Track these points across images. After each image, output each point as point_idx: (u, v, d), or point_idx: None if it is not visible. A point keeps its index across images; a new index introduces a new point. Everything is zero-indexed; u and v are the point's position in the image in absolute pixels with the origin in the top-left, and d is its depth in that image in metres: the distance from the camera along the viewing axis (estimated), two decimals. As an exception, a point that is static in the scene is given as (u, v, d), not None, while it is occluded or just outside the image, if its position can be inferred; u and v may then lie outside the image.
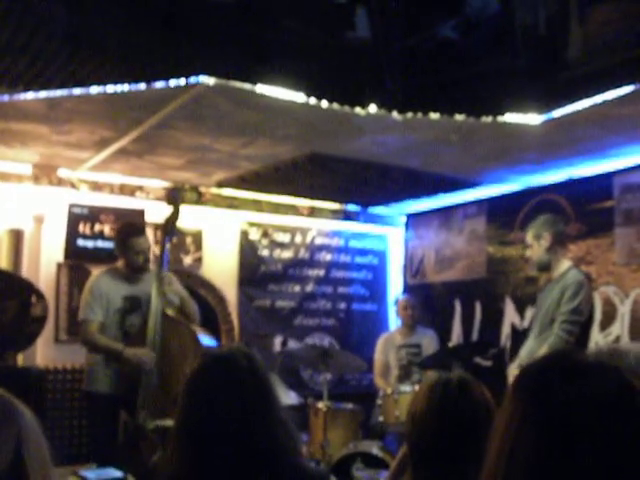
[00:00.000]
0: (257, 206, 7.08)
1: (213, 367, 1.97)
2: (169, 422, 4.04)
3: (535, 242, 4.65)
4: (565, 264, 4.62)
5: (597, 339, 5.62)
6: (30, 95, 4.02)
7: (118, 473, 3.68)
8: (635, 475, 1.01)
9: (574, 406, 1.05)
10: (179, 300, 4.92)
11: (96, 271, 5.20)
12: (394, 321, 7.44)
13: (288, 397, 5.34)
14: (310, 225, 7.50)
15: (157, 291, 4.69)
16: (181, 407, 1.93)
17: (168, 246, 4.95)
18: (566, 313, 4.35)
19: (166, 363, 4.62)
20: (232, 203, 6.92)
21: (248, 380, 1.91)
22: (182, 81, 3.80)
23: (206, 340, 4.72)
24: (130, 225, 5.15)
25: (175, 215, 4.93)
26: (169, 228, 4.94)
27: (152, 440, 4.32)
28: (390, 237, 8.12)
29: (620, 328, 5.55)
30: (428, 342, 6.48)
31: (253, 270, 7.13)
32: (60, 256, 6.04)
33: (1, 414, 1.20)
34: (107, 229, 6.05)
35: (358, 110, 4.20)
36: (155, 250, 6.04)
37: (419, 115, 4.29)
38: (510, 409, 1.13)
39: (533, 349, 4.47)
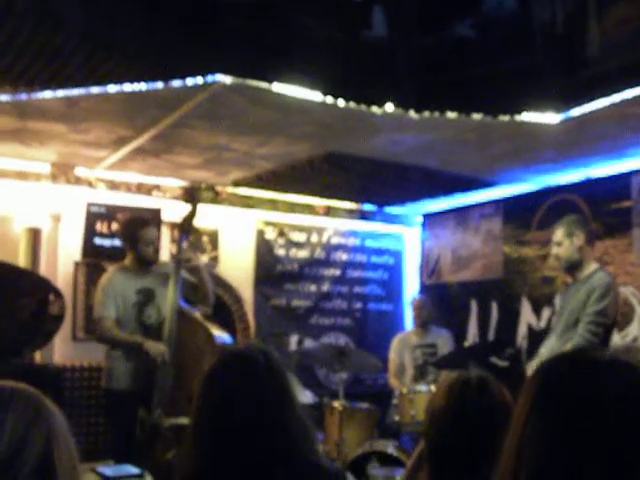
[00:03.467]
0: (273, 205, 7.08)
1: (231, 364, 1.97)
2: (184, 420, 4.06)
3: (567, 240, 4.53)
4: (592, 266, 4.54)
5: (615, 340, 5.59)
6: (48, 94, 4.05)
7: (135, 470, 3.69)
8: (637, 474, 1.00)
9: (581, 401, 1.04)
10: (196, 278, 4.96)
11: (110, 268, 5.23)
12: (410, 321, 7.43)
13: (304, 396, 5.34)
14: (326, 224, 7.50)
15: (174, 289, 4.71)
16: (198, 404, 1.93)
17: (185, 245, 4.97)
18: (592, 314, 4.31)
19: (182, 361, 4.64)
20: (248, 202, 6.93)
21: (265, 377, 1.91)
22: (199, 80, 3.81)
23: (222, 338, 4.73)
24: (136, 218, 5.19)
25: (192, 214, 4.94)
26: (186, 227, 4.96)
27: (167, 438, 4.34)
28: (406, 237, 8.10)
29: (638, 329, 5.52)
30: (443, 342, 6.47)
31: (269, 269, 7.14)
32: (78, 255, 6.07)
33: (32, 413, 1.21)
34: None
35: (374, 109, 4.20)
36: (172, 249, 6.06)
37: (436, 114, 4.28)
38: (521, 404, 1.13)
39: (555, 347, 4.44)
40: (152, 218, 5.76)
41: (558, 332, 4.52)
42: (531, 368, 4.61)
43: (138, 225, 4.95)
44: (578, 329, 4.35)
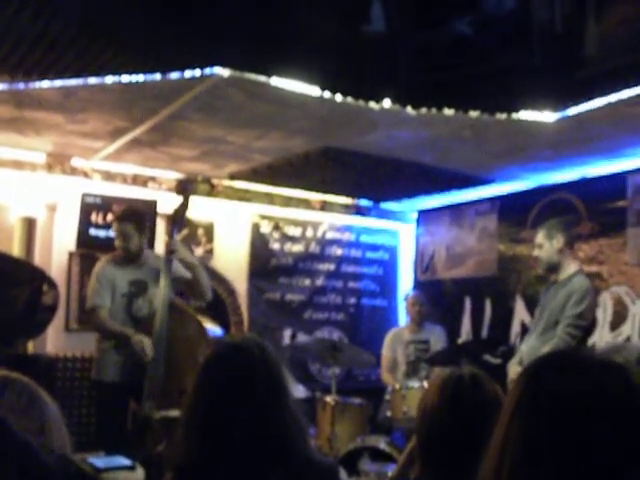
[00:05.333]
0: (269, 199, 7.08)
1: (226, 355, 1.97)
2: (175, 412, 4.06)
3: (547, 242, 4.68)
4: (572, 268, 4.69)
5: (607, 339, 5.61)
6: (45, 84, 4.04)
7: (126, 461, 3.69)
8: (619, 472, 1.00)
9: (564, 399, 1.05)
10: (190, 272, 4.96)
11: (103, 257, 5.23)
12: (403, 317, 7.44)
13: (296, 390, 5.35)
14: (321, 219, 7.51)
15: (165, 281, 4.70)
16: (192, 394, 1.93)
17: (177, 237, 4.96)
18: (571, 317, 4.46)
19: (173, 354, 4.64)
20: (244, 195, 6.93)
21: (260, 369, 1.91)
22: (197, 72, 3.81)
23: (213, 331, 4.73)
24: (118, 211, 5.22)
25: (184, 206, 4.94)
26: (178, 219, 4.96)
27: (158, 431, 4.34)
28: (401, 233, 8.12)
29: (631, 328, 5.54)
30: (436, 338, 6.48)
31: (264, 263, 7.14)
32: (72, 245, 6.06)
33: (26, 400, 1.21)
34: (119, 219, 6.06)
35: (372, 104, 4.19)
36: (165, 240, 6.05)
37: (433, 110, 4.28)
38: (508, 401, 1.13)
39: (535, 347, 4.55)
40: (147, 210, 5.75)
41: (538, 331, 4.64)
42: (512, 365, 4.68)
43: (114, 218, 5.01)
44: (557, 331, 4.48)
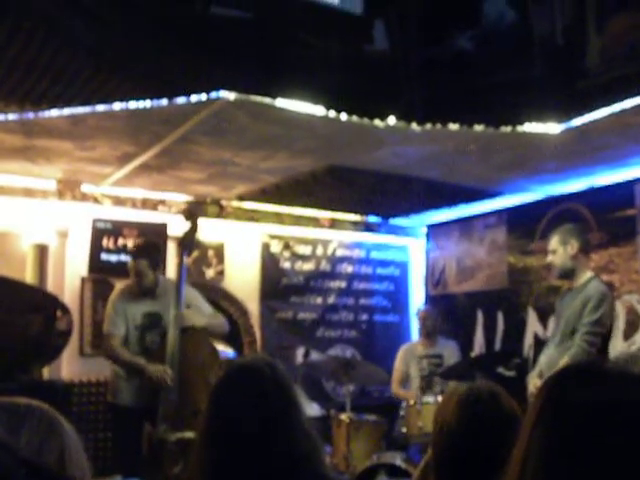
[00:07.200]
0: (278, 219, 7.11)
1: (237, 376, 1.99)
2: (190, 434, 4.07)
3: (561, 247, 4.57)
4: (588, 274, 4.57)
5: (621, 348, 5.58)
6: (54, 112, 4.09)
7: (143, 484, 3.70)
8: None
9: (585, 410, 1.04)
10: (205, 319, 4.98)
11: (119, 285, 5.26)
12: (416, 332, 7.43)
13: (310, 409, 5.34)
14: (331, 237, 7.52)
15: (175, 304, 4.73)
16: (205, 416, 1.95)
17: (186, 260, 4.98)
18: (588, 324, 4.32)
19: (186, 376, 4.65)
20: (253, 216, 6.96)
21: (272, 389, 1.92)
22: (203, 96, 3.85)
23: (226, 353, 4.74)
24: (132, 247, 5.27)
25: (193, 230, 4.97)
26: (187, 243, 4.99)
27: (173, 453, 4.35)
28: (411, 248, 8.12)
29: (644, 337, 5.51)
30: (450, 352, 6.46)
31: (275, 282, 7.15)
32: (84, 270, 6.10)
33: (46, 427, 1.23)
34: (130, 243, 6.10)
35: (377, 122, 4.22)
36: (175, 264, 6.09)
37: (438, 126, 4.30)
38: (528, 415, 1.14)
39: (553, 358, 4.44)
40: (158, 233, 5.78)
41: (556, 341, 4.53)
42: (531, 378, 4.61)
43: (130, 253, 5.07)
44: (575, 339, 4.34)
